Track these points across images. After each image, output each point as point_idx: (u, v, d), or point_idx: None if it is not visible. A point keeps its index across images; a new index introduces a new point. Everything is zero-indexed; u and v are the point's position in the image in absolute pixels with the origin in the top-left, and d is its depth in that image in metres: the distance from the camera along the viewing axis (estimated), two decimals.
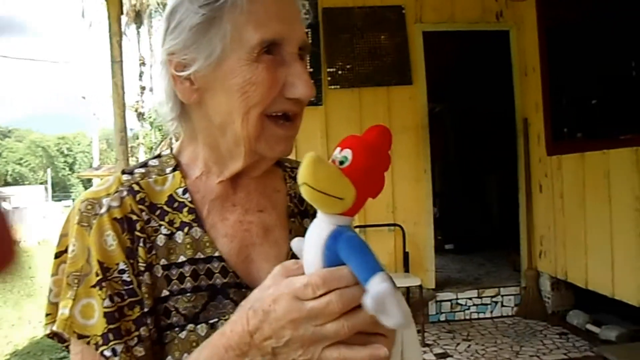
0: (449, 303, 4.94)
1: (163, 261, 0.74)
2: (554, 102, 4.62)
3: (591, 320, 4.32)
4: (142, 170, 0.81)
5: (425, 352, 4.10)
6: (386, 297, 0.50)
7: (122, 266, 0.72)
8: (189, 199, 0.79)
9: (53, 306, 0.75)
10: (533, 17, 4.77)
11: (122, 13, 4.49)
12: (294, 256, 0.81)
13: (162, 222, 0.77)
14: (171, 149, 0.86)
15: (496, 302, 4.98)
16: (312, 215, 0.89)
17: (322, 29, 4.80)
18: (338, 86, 4.84)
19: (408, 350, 0.68)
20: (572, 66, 4.33)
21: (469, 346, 4.20)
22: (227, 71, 0.72)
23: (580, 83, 4.24)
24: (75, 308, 0.70)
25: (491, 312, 4.97)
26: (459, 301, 4.95)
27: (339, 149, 0.58)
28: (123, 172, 0.81)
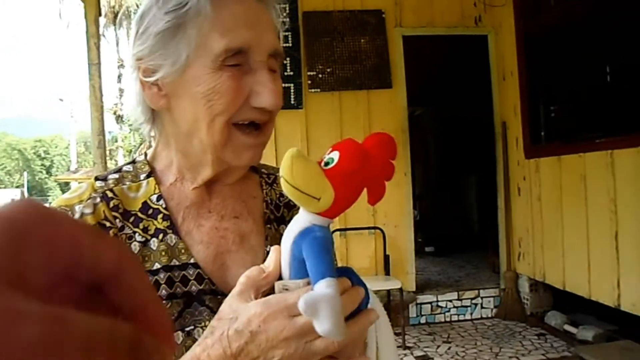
0: (429, 305, 4.96)
1: None
2: (532, 106, 4.68)
3: (569, 321, 4.38)
4: (116, 176, 0.80)
5: (405, 354, 4.11)
6: (320, 302, 0.50)
7: None
8: (164, 206, 0.79)
9: None
10: (511, 22, 4.83)
11: (100, 15, 4.43)
12: None
13: (136, 229, 0.76)
14: (145, 155, 0.85)
15: (476, 304, 5.02)
16: (288, 221, 0.89)
17: (303, 32, 4.80)
18: (318, 89, 4.84)
19: (384, 356, 0.68)
20: (550, 71, 4.40)
21: (449, 348, 4.23)
22: (192, 78, 0.72)
23: (557, 87, 4.30)
24: None
25: (471, 314, 5.01)
26: (439, 303, 4.98)
27: (330, 149, 0.59)
28: (96, 179, 0.80)
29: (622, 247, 3.55)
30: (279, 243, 0.85)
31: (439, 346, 4.29)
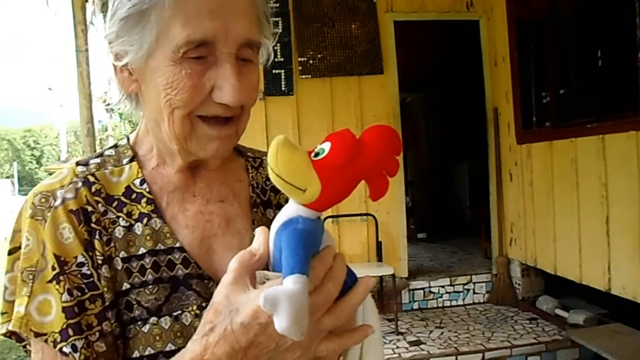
0: (421, 291, 4.98)
1: (122, 253, 0.72)
2: (524, 91, 4.67)
3: (560, 305, 4.41)
4: (98, 160, 0.79)
5: (398, 339, 4.13)
6: (280, 298, 0.48)
7: (80, 259, 0.69)
8: (147, 190, 0.77)
9: (9, 304, 0.72)
10: (503, 7, 4.81)
11: (86, 1, 4.36)
12: None
13: (120, 214, 0.74)
14: (128, 139, 0.83)
15: (468, 290, 5.05)
16: (275, 205, 0.88)
17: (293, 18, 4.76)
18: (309, 76, 4.81)
19: (368, 352, 0.67)
20: (541, 56, 4.39)
21: (441, 333, 4.25)
22: (154, 68, 0.69)
23: (548, 73, 4.29)
24: (31, 305, 0.67)
25: (463, 299, 5.04)
26: (432, 289, 5.00)
27: (324, 139, 0.57)
28: (77, 164, 0.78)
29: (612, 232, 3.57)
30: (266, 227, 0.84)
31: (431, 331, 4.31)
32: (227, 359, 0.56)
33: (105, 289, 0.69)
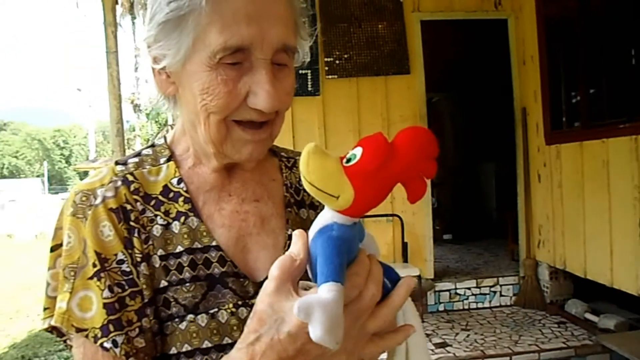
0: (447, 293, 4.94)
1: (160, 251, 0.73)
2: (553, 91, 4.60)
3: (590, 310, 4.32)
4: (136, 160, 0.80)
5: None
6: (314, 307, 0.48)
7: (120, 256, 0.71)
8: (184, 189, 0.78)
9: (51, 300, 0.73)
10: (532, 5, 4.73)
11: (116, 3, 4.44)
12: (290, 246, 0.81)
13: (157, 212, 0.76)
14: (165, 139, 0.84)
15: (495, 292, 4.99)
16: (308, 205, 0.89)
17: (320, 18, 4.76)
18: (335, 76, 4.81)
19: (413, 339, 0.67)
20: (571, 55, 4.31)
21: (467, 336, 4.21)
22: (191, 73, 0.70)
23: (579, 72, 4.21)
24: (72, 301, 0.69)
25: (490, 301, 4.98)
26: (458, 291, 4.95)
27: (356, 144, 0.56)
28: (116, 163, 0.80)
29: None
30: (299, 226, 0.84)
31: (457, 334, 4.27)
32: None
33: (144, 286, 0.71)
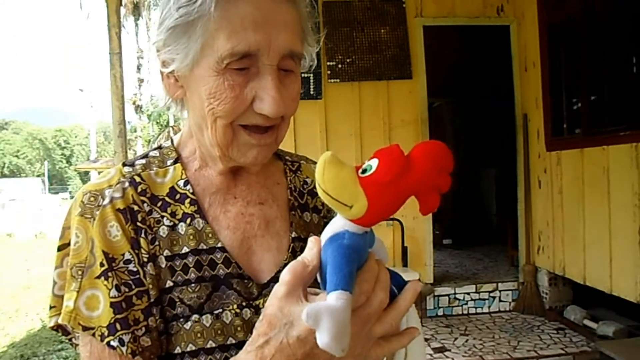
0: (447, 298, 4.95)
1: (166, 252, 0.74)
2: (554, 97, 4.61)
3: (588, 316, 4.33)
4: (143, 161, 0.81)
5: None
6: (322, 314, 0.49)
7: (127, 256, 0.72)
8: (191, 191, 0.79)
9: (58, 299, 0.75)
10: (534, 12, 4.75)
11: (120, 4, 4.46)
12: (294, 249, 0.82)
13: (164, 214, 0.77)
14: (172, 141, 0.86)
15: (494, 297, 5.00)
16: (312, 208, 0.90)
17: (322, 22, 4.78)
18: (338, 80, 4.83)
19: (412, 345, 0.68)
20: (573, 62, 4.33)
21: (466, 341, 4.21)
22: (199, 77, 0.71)
23: (580, 79, 4.23)
24: (79, 300, 0.70)
25: (489, 307, 4.98)
26: (457, 296, 4.96)
27: (372, 155, 0.57)
28: (124, 164, 0.81)
29: None
30: (303, 230, 0.86)
31: (456, 338, 4.27)
32: None
33: (151, 286, 0.72)
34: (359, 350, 0.59)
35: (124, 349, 0.68)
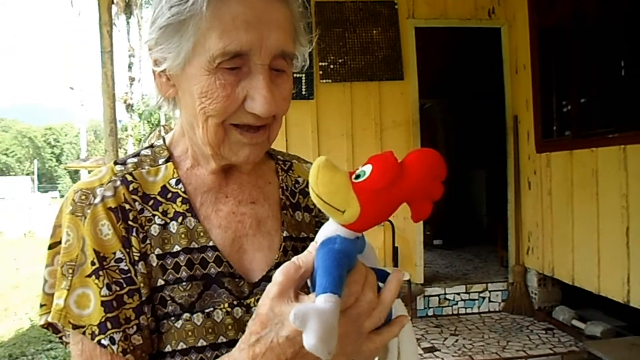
0: (437, 298, 4.97)
1: (158, 250, 0.74)
2: (544, 99, 4.65)
3: (577, 316, 4.37)
4: (135, 160, 0.81)
5: None
6: (310, 316, 0.50)
7: (119, 255, 0.72)
8: (183, 190, 0.80)
9: (48, 297, 0.75)
10: (525, 15, 4.79)
11: (112, 2, 4.43)
12: (285, 248, 0.83)
13: (155, 212, 0.77)
14: (164, 140, 0.86)
15: (484, 298, 5.03)
16: (303, 208, 0.90)
17: (315, 22, 4.79)
18: (329, 80, 4.84)
19: (404, 346, 0.69)
20: (563, 64, 4.36)
21: (456, 341, 4.23)
22: (190, 76, 0.71)
23: (570, 81, 4.26)
24: (70, 298, 0.70)
25: (479, 307, 5.01)
26: (447, 296, 4.98)
27: (366, 161, 0.57)
28: (116, 163, 0.81)
29: (633, 243, 3.53)
30: (294, 229, 0.86)
31: (446, 338, 4.30)
32: None
33: (142, 285, 0.72)
34: (350, 348, 0.60)
35: (114, 347, 0.68)
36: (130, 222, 0.74)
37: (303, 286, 0.60)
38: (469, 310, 4.99)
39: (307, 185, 0.56)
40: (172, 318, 0.72)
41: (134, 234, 0.74)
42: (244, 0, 0.68)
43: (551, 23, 4.50)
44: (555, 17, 4.43)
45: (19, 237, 15.65)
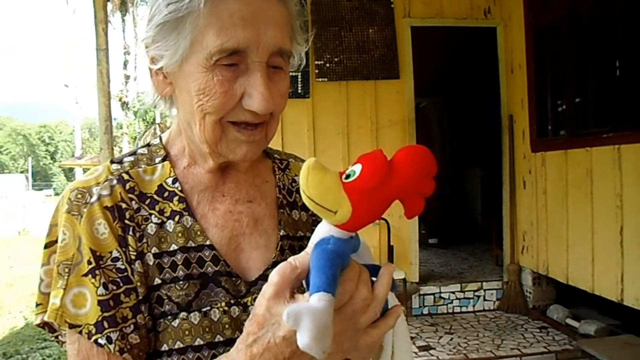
0: (432, 296, 4.98)
1: (154, 249, 0.74)
2: (540, 99, 4.66)
3: (571, 315, 4.39)
4: (131, 159, 0.81)
5: None
6: (303, 315, 0.50)
7: (115, 254, 0.71)
8: (179, 188, 0.79)
9: (44, 296, 0.74)
10: (520, 14, 4.80)
11: (107, 0, 4.41)
12: (282, 247, 0.83)
13: (152, 211, 0.77)
14: (160, 138, 0.86)
15: (478, 296, 5.04)
16: (300, 207, 0.90)
17: (311, 21, 4.79)
18: (325, 79, 4.84)
19: (398, 344, 0.69)
20: (558, 64, 4.38)
21: (451, 339, 4.25)
22: (188, 73, 0.71)
23: (565, 81, 4.28)
24: (66, 297, 0.69)
25: (473, 305, 5.03)
26: (442, 295, 4.99)
27: (356, 160, 0.57)
28: (112, 162, 0.80)
29: (626, 242, 3.55)
30: (291, 228, 0.86)
31: (441, 337, 4.31)
32: None
33: (139, 284, 0.72)
34: (347, 345, 0.60)
35: (111, 346, 0.68)
36: (126, 221, 0.74)
37: (300, 287, 0.60)
38: (463, 309, 5.00)
39: None
40: (169, 317, 0.72)
41: (131, 232, 0.73)
42: None
43: (547, 23, 4.51)
44: (551, 17, 4.44)
45: (13, 235, 15.58)
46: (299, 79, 4.73)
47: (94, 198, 0.73)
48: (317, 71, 4.82)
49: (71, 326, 0.69)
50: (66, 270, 0.71)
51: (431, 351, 3.99)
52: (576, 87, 4.20)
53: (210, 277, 0.75)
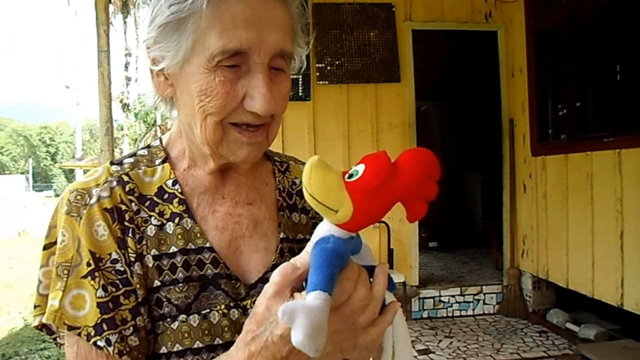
0: (431, 300, 4.97)
1: (154, 251, 0.74)
2: (540, 103, 4.66)
3: (571, 319, 4.38)
4: (131, 160, 0.81)
5: None
6: (297, 312, 0.49)
7: (114, 256, 0.71)
8: (179, 190, 0.79)
9: (43, 298, 0.74)
10: (521, 19, 4.81)
11: (109, 2, 4.42)
12: (282, 249, 0.83)
13: (152, 213, 0.76)
14: (160, 140, 0.85)
15: (478, 300, 5.03)
16: (300, 209, 0.90)
17: (312, 24, 4.79)
18: (326, 82, 4.84)
19: (398, 346, 0.69)
20: (559, 69, 4.38)
21: (450, 343, 4.24)
22: (189, 75, 0.71)
23: (566, 86, 4.28)
24: (65, 299, 0.69)
25: (473, 309, 5.02)
26: (442, 298, 4.99)
27: (359, 160, 0.57)
28: (112, 163, 0.80)
29: (627, 247, 3.55)
30: (291, 230, 0.86)
31: (440, 340, 4.30)
32: None
33: (138, 286, 0.71)
34: (345, 344, 0.60)
35: (110, 349, 0.68)
36: (126, 223, 0.73)
37: (301, 287, 0.60)
38: (463, 313, 5.00)
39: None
40: (168, 319, 0.72)
41: (130, 234, 0.73)
42: None
43: (547, 27, 4.52)
44: (552, 22, 4.45)
45: (13, 236, 15.57)
46: (300, 82, 4.73)
47: (94, 200, 0.73)
48: (318, 74, 4.82)
49: (70, 328, 0.68)
50: (65, 271, 0.70)
51: (431, 355, 3.99)
52: (577, 92, 4.20)
53: (209, 280, 0.75)
